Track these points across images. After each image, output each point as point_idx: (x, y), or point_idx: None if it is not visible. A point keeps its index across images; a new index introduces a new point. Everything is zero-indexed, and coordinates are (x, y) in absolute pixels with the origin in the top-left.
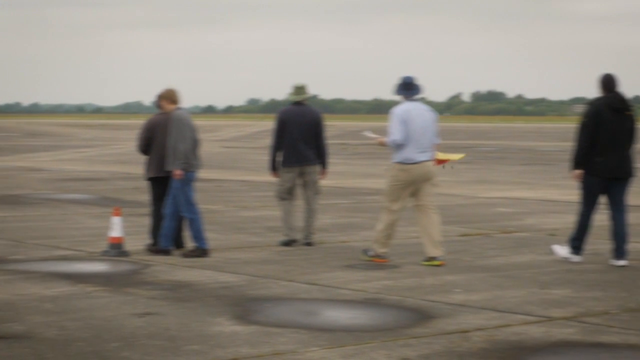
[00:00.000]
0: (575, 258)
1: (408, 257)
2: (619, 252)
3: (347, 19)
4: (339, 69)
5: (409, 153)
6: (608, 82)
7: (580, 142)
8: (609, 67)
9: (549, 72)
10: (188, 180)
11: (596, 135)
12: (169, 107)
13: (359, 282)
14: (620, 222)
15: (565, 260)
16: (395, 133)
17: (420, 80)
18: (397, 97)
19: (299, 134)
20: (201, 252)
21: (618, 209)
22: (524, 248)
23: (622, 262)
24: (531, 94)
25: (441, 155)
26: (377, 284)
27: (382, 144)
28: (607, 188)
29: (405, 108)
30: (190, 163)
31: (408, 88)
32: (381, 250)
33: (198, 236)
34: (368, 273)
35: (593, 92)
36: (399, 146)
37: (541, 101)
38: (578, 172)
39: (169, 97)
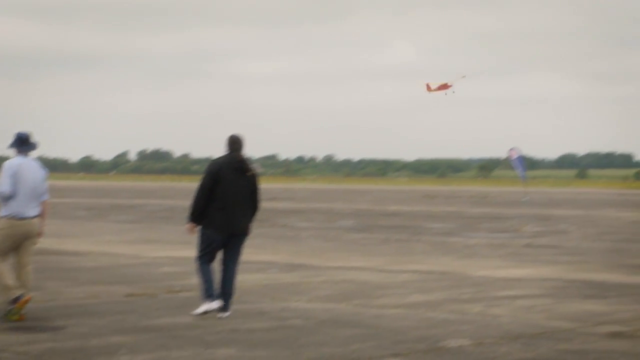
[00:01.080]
0: (215, 305)
1: (73, 319)
2: (224, 304)
3: (14, 73)
4: None
5: (17, 207)
6: (232, 143)
7: (197, 197)
8: (269, 126)
9: (214, 132)
10: None
11: (216, 192)
12: None
13: (22, 344)
14: (229, 277)
15: (208, 312)
16: (4, 185)
17: (35, 137)
18: (12, 152)
19: None
20: None
21: (230, 264)
22: (189, 308)
23: (225, 314)
24: (197, 153)
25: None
26: (41, 346)
27: None
28: (225, 243)
29: (18, 162)
30: None
31: (23, 144)
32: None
33: None
34: (31, 335)
35: (259, 151)
36: (6, 198)
37: (207, 160)
38: (191, 225)
39: None
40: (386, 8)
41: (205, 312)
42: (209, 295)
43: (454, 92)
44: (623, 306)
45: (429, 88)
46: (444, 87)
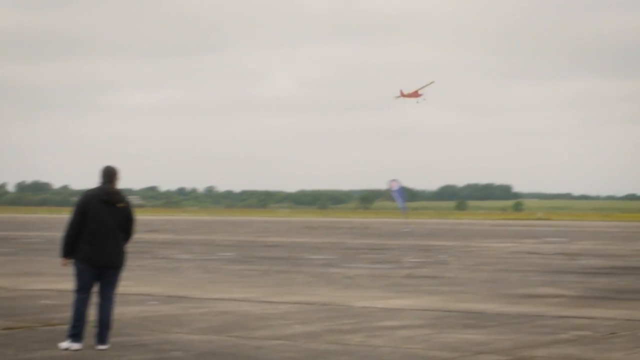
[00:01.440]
0: (75, 346)
1: None
2: (102, 337)
3: None
4: None
5: None
6: (105, 174)
7: (68, 230)
8: (150, 158)
9: (94, 163)
10: None
11: (85, 224)
12: None
13: None
14: (106, 309)
15: (67, 350)
16: None
17: None
18: None
19: None
20: None
21: (105, 297)
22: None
23: (104, 347)
24: (77, 184)
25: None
26: None
27: None
28: (99, 276)
29: None
30: None
31: None
32: None
33: None
34: None
35: (140, 182)
36: None
37: None
38: (64, 260)
39: None
40: (267, 41)
41: (66, 349)
42: (71, 335)
43: (424, 99)
44: (502, 336)
45: (402, 94)
46: (415, 94)
